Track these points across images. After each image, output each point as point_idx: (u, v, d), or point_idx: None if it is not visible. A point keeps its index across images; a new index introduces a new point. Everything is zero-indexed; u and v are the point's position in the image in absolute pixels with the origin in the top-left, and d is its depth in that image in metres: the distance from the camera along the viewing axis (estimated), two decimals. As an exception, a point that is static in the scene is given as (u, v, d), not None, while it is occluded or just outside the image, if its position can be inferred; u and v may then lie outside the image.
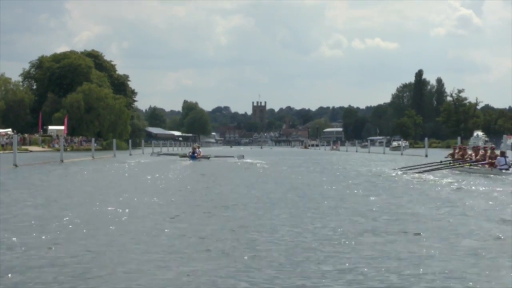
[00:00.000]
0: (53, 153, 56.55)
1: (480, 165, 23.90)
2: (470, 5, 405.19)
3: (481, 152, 25.02)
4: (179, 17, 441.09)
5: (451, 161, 26.55)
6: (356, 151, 70.14)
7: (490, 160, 23.69)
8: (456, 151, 27.67)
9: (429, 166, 25.26)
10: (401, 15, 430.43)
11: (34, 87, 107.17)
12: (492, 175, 21.87)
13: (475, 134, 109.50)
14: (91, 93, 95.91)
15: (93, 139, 48.45)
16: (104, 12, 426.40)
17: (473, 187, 17.23)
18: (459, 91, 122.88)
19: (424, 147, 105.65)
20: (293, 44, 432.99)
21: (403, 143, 63.08)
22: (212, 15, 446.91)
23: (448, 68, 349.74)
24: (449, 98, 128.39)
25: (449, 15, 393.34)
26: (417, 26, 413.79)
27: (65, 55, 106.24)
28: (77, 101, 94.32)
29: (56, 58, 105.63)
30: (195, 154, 38.57)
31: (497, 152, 24.17)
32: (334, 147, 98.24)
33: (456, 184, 18.61)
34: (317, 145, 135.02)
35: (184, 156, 40.96)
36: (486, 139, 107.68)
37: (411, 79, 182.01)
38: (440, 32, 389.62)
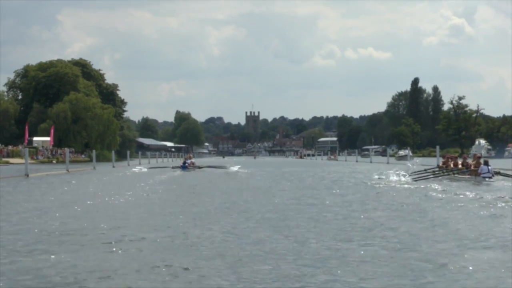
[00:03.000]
0: (35, 166, 52.66)
1: (467, 174, 24.54)
2: (463, 14, 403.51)
3: (468, 161, 25.80)
4: (172, 28, 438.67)
5: (437, 170, 27.04)
6: (357, 161, 66.53)
7: (474, 168, 24.38)
8: (445, 160, 28.07)
9: (416, 174, 25.87)
10: (393, 24, 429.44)
11: (20, 97, 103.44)
12: (474, 183, 22.35)
13: (477, 142, 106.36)
14: (78, 102, 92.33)
15: (67, 150, 44.63)
16: (97, 24, 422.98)
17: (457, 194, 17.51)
18: (460, 98, 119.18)
19: (423, 156, 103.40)
20: (285, 54, 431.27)
21: (409, 152, 59.13)
22: (205, 26, 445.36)
23: (441, 77, 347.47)
24: (449, 106, 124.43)
25: (441, 24, 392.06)
26: (410, 35, 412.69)
27: (51, 64, 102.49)
28: (63, 111, 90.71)
29: (42, 67, 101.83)
30: (186, 165, 38.39)
31: (482, 161, 24.89)
32: (332, 157, 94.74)
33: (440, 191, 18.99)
34: (312, 155, 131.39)
35: (175, 167, 40.52)
36: (489, 147, 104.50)
37: (404, 88, 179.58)
38: (432, 41, 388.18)
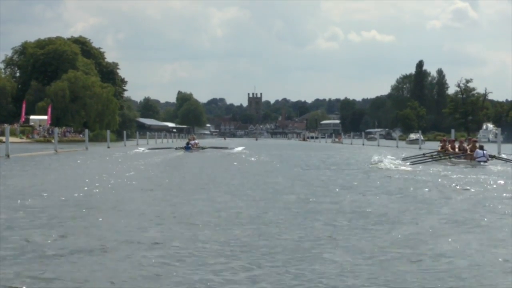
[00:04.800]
0: (27, 145, 50.67)
1: (462, 158, 25.02)
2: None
3: (464, 145, 26.14)
4: (175, 8, 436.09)
5: (434, 154, 27.72)
6: (363, 144, 64.33)
7: (470, 153, 24.73)
8: (446, 144, 28.17)
9: (413, 158, 26.55)
10: (397, 7, 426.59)
11: (17, 74, 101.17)
12: (469, 166, 23.00)
13: (484, 126, 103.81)
14: (77, 81, 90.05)
15: (56, 129, 42.36)
16: (100, 3, 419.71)
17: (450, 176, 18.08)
18: (467, 81, 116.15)
19: (428, 139, 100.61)
20: (289, 36, 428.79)
21: (421, 135, 56.60)
22: (208, 7, 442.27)
23: (444, 61, 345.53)
24: (455, 89, 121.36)
25: (445, 8, 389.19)
26: (413, 19, 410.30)
27: (50, 41, 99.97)
28: (62, 89, 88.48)
29: (40, 44, 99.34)
30: (190, 145, 38.66)
31: (477, 145, 25.47)
32: (336, 139, 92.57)
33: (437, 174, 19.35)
34: (316, 137, 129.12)
35: (179, 148, 40.68)
36: (497, 131, 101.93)
37: (406, 71, 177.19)
38: (436, 25, 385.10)
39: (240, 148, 43.74)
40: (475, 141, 26.27)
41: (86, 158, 28.87)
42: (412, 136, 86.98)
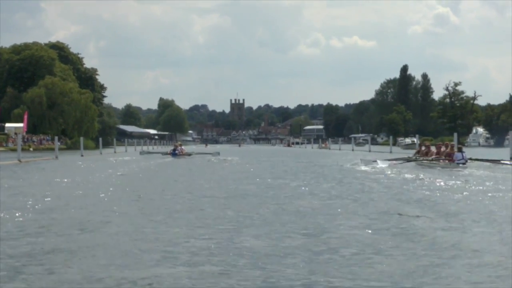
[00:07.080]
0: (3, 154, 47.30)
1: (441, 160, 25.74)
2: (447, 3, 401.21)
3: (443, 148, 26.91)
4: (156, 15, 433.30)
5: (417, 156, 28.53)
6: (353, 150, 61.75)
7: (448, 157, 25.47)
8: (422, 148, 29.22)
9: (396, 160, 27.90)
10: (378, 13, 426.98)
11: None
12: (448, 169, 23.66)
13: (474, 130, 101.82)
14: (54, 87, 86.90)
15: (19, 135, 39.18)
16: (81, 11, 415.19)
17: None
18: (456, 84, 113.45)
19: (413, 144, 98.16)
20: (271, 43, 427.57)
21: (417, 140, 53.80)
22: (189, 14, 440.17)
23: (426, 66, 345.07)
24: (444, 92, 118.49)
25: (426, 13, 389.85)
26: (394, 24, 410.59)
27: (26, 46, 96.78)
28: (38, 96, 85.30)
29: (16, 49, 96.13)
30: (176, 152, 39.41)
31: (455, 149, 26.55)
32: (323, 145, 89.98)
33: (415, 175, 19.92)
34: (301, 143, 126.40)
35: (165, 154, 41.87)
36: (487, 135, 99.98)
37: (388, 76, 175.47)
38: (417, 30, 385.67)
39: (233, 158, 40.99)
40: (453, 146, 27.25)
41: (46, 168, 25.79)
42: (408, 140, 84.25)
